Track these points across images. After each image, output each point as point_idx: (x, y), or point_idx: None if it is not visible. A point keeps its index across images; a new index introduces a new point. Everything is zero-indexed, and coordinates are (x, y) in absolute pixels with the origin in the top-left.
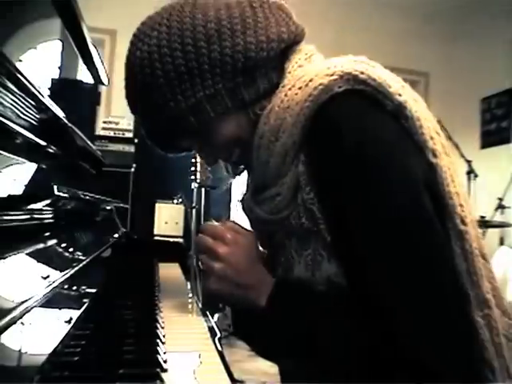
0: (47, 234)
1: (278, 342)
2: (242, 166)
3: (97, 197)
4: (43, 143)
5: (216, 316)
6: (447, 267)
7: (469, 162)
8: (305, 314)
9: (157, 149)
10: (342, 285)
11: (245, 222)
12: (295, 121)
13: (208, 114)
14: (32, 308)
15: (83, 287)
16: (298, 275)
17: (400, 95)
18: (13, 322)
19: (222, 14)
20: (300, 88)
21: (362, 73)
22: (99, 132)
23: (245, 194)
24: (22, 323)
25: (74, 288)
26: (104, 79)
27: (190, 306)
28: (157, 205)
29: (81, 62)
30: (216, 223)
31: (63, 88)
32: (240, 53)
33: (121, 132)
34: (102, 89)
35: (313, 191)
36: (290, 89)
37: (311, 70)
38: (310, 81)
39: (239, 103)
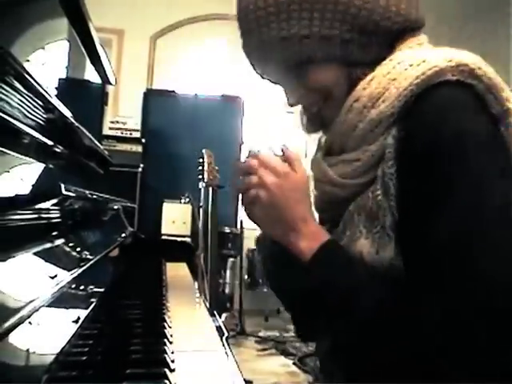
0: (54, 233)
1: (315, 298)
2: (316, 126)
3: (104, 196)
4: (51, 143)
5: (223, 315)
6: None
7: None
8: (350, 276)
9: (163, 148)
10: (400, 268)
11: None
12: (400, 94)
13: (314, 51)
14: (40, 308)
15: (91, 287)
16: (360, 249)
17: (509, 101)
18: (20, 321)
19: None
20: (411, 65)
21: (480, 68)
22: (106, 132)
23: (316, 154)
24: (29, 323)
25: (82, 287)
26: (111, 79)
27: (197, 306)
28: (164, 204)
29: (88, 61)
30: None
31: (71, 88)
32: (367, 11)
33: (128, 132)
34: (110, 89)
35: (395, 167)
36: (398, 63)
37: (422, 52)
38: (423, 61)
39: (345, 58)
